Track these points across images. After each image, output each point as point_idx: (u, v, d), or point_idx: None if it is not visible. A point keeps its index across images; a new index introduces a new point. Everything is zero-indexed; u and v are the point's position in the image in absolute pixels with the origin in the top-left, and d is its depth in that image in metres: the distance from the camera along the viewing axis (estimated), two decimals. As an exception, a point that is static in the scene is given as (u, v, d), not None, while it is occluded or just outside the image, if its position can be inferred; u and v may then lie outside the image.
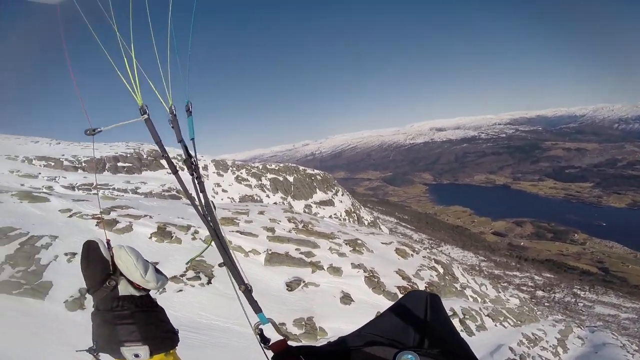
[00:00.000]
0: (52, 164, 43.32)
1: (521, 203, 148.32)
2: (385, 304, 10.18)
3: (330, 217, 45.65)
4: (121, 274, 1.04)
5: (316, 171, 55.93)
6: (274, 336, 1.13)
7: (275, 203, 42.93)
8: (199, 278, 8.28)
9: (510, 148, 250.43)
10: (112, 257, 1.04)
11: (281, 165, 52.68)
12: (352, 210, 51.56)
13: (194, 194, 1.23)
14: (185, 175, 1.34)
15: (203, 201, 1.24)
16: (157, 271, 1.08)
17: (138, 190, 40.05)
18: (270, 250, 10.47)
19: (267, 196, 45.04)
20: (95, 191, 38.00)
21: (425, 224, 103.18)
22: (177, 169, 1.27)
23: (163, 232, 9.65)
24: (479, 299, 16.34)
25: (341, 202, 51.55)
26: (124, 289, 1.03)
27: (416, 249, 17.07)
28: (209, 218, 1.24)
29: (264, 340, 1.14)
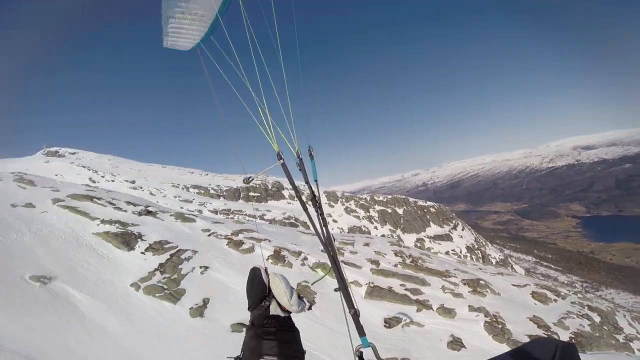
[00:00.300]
0: (202, 191, 53.47)
1: None
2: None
3: (447, 253, 41.70)
4: (273, 297, 1.25)
5: (429, 203, 52.74)
6: None
7: (383, 235, 42.02)
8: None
9: None
10: (268, 281, 1.27)
11: (389, 196, 51.81)
12: (476, 246, 45.91)
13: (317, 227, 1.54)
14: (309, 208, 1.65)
15: (325, 233, 1.49)
16: (300, 297, 1.26)
17: (264, 217, 45.52)
18: (373, 283, 10.19)
19: (375, 228, 44.55)
20: (231, 216, 44.91)
21: (577, 264, 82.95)
22: (307, 205, 1.59)
23: (278, 256, 10.61)
24: (652, 355, 11.93)
25: (461, 237, 46.68)
26: (273, 309, 1.24)
27: (562, 293, 13.83)
28: (329, 248, 1.48)
29: None
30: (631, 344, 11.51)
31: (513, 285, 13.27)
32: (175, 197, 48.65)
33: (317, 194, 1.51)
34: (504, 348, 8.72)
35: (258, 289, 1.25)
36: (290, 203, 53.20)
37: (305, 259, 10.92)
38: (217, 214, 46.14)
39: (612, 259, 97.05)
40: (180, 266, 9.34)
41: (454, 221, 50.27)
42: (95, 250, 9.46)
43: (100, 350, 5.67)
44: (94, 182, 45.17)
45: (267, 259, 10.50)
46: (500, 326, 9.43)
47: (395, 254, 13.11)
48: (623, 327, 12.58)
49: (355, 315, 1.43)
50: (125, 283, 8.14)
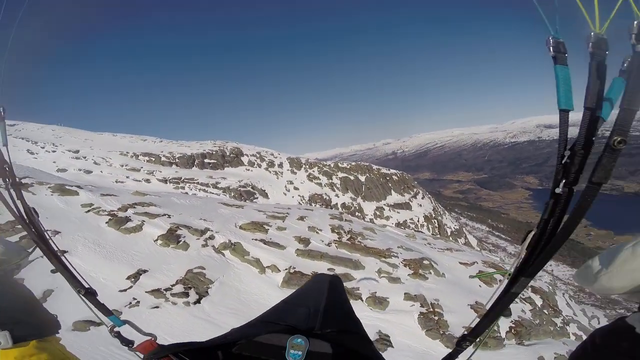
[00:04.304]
0: (153, 159, 49.05)
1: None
2: (440, 352, 7.14)
3: (405, 222, 41.48)
4: None
5: (392, 171, 51.86)
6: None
7: (343, 204, 40.74)
8: (186, 295, 6.60)
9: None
10: None
11: (353, 163, 50.21)
12: (433, 215, 46.11)
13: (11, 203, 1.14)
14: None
15: (22, 209, 1.15)
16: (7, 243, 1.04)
17: (218, 185, 42.58)
18: (294, 268, 8.27)
19: (337, 196, 43.21)
20: (182, 184, 41.59)
21: (525, 235, 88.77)
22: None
23: (171, 236, 8.32)
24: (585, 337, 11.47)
25: (420, 205, 46.57)
26: None
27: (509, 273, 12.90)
28: (30, 227, 1.15)
29: (125, 342, 1.07)
30: (567, 327, 10.73)
31: (460, 263, 12.03)
32: (123, 165, 44.25)
33: (8, 161, 1.13)
34: (437, 346, 7.28)
35: None
36: (249, 170, 50.25)
37: (211, 237, 8.74)
38: (166, 182, 42.70)
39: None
40: (28, 250, 6.87)
41: (415, 189, 50.00)
42: None
43: None
44: (32, 153, 39.81)
45: (156, 240, 8.20)
46: (436, 318, 7.96)
47: (332, 230, 11.25)
48: (562, 310, 11.86)
49: (89, 294, 1.11)
50: None
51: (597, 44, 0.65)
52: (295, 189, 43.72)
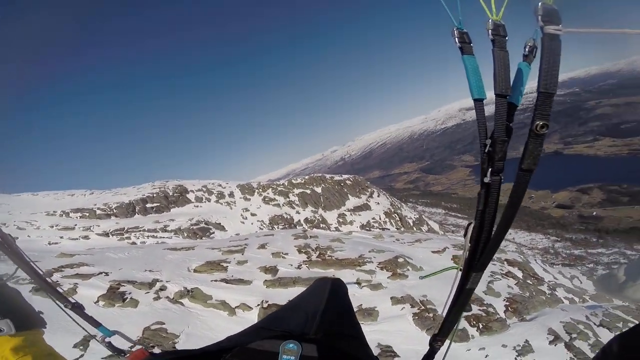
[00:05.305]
0: (87, 214, 43.89)
1: (580, 168, 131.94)
2: (451, 349, 6.70)
3: (369, 222, 41.86)
4: None
5: (345, 176, 52.41)
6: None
7: (306, 218, 39.90)
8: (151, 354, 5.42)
9: (551, 114, 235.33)
10: None
11: (306, 177, 49.77)
12: (393, 210, 47.19)
13: None
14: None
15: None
16: None
17: (167, 228, 39.23)
18: (267, 301, 7.32)
19: (297, 212, 42.24)
20: (126, 235, 37.71)
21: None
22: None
23: (113, 295, 6.94)
24: (577, 299, 11.90)
25: (378, 204, 47.42)
26: None
27: (478, 251, 13.06)
28: (7, 247, 1.17)
29: (117, 351, 1.18)
30: (556, 292, 11.08)
31: (433, 252, 11.94)
32: (52, 226, 38.83)
33: None
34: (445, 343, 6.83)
35: None
36: (198, 206, 47.18)
37: (163, 288, 7.48)
38: (108, 236, 38.38)
39: (502, 200, 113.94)
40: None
41: (369, 189, 50.92)
42: None
43: None
44: None
45: (97, 301, 6.80)
46: (431, 315, 7.56)
47: (299, 250, 10.45)
48: (543, 277, 12.28)
49: (76, 307, 1.22)
50: None
51: (496, 30, 0.65)
52: (253, 215, 41.96)
